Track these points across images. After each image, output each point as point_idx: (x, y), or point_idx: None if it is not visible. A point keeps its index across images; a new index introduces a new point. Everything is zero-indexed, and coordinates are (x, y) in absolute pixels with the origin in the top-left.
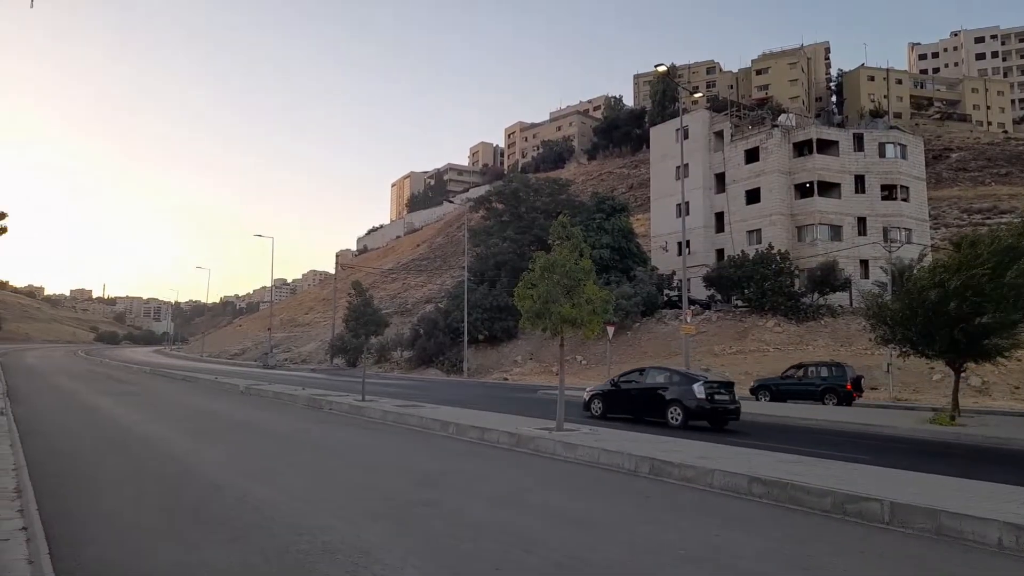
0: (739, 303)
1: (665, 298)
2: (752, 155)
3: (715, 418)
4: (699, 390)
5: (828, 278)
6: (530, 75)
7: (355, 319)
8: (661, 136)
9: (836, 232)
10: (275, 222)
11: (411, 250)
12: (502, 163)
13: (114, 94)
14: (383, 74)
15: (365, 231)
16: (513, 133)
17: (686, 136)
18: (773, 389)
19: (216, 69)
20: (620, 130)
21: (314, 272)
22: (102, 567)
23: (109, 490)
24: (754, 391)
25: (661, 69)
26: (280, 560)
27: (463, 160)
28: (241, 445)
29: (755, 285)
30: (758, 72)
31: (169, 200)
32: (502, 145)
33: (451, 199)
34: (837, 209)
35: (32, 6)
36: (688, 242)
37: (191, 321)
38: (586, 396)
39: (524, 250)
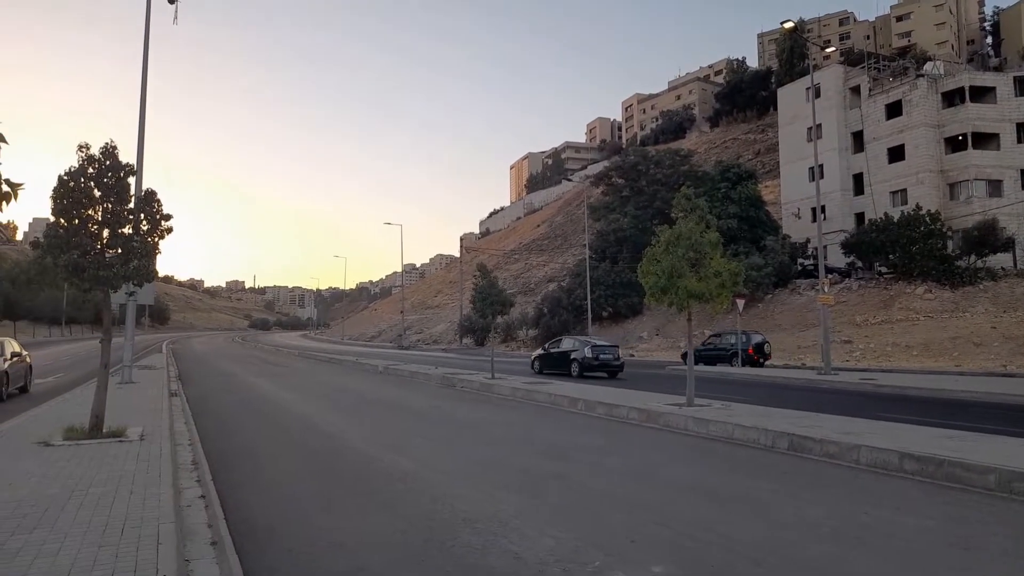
0: (883, 270)
1: (799, 267)
2: (894, 109)
3: (603, 370)
4: (588, 351)
5: (987, 238)
6: (646, 45)
7: (481, 300)
8: (789, 97)
9: (995, 187)
10: (403, 210)
11: (531, 230)
12: (620, 137)
13: (255, 99)
14: (498, 58)
15: (487, 214)
16: (630, 106)
17: (818, 94)
18: (697, 354)
19: (341, 65)
20: (744, 94)
21: (440, 256)
22: (270, 532)
23: (270, 462)
24: (683, 356)
25: (788, 25)
26: (426, 528)
27: (580, 137)
28: (383, 421)
29: (901, 250)
30: (898, 19)
31: (308, 194)
32: (619, 119)
33: (569, 177)
34: (996, 162)
35: (176, 23)
36: (823, 207)
37: (331, 306)
38: (532, 359)
39: (646, 224)
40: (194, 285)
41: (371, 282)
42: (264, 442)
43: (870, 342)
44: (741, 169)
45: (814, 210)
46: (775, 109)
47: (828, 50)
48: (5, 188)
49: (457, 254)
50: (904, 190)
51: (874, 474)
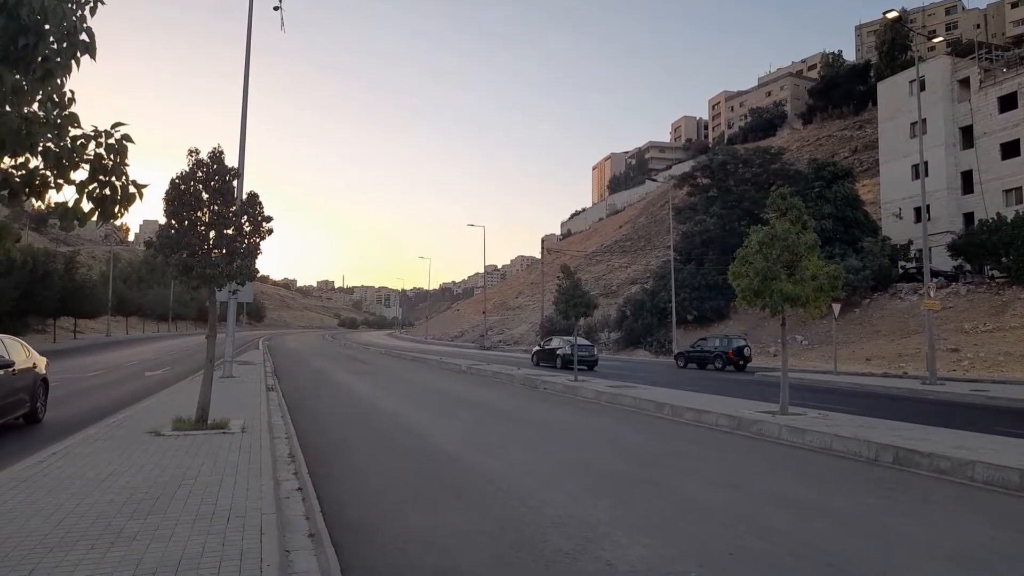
0: (995, 273)
1: (900, 271)
2: (1008, 102)
3: (581, 364)
4: (567, 348)
5: None
6: (735, 42)
7: (564, 301)
8: (891, 91)
9: None
10: (486, 211)
11: (614, 231)
12: (706, 136)
13: (347, 104)
14: (581, 58)
15: (568, 215)
16: (717, 104)
17: (922, 87)
18: (686, 355)
19: (426, 71)
20: (840, 89)
21: (522, 257)
22: (363, 526)
23: (361, 457)
24: (675, 357)
25: (891, 15)
26: (515, 530)
27: (664, 137)
28: (468, 420)
29: (1016, 252)
30: (1013, 5)
31: (395, 197)
32: (706, 118)
33: (653, 177)
34: None
35: (283, 30)
36: (928, 207)
37: (416, 306)
38: (531, 353)
39: (733, 226)
40: (287, 284)
41: (454, 283)
42: (354, 438)
43: (980, 350)
44: (837, 167)
45: (917, 210)
46: (874, 104)
47: (934, 40)
48: (132, 189)
49: (538, 255)
50: (1019, 188)
51: (991, 492)
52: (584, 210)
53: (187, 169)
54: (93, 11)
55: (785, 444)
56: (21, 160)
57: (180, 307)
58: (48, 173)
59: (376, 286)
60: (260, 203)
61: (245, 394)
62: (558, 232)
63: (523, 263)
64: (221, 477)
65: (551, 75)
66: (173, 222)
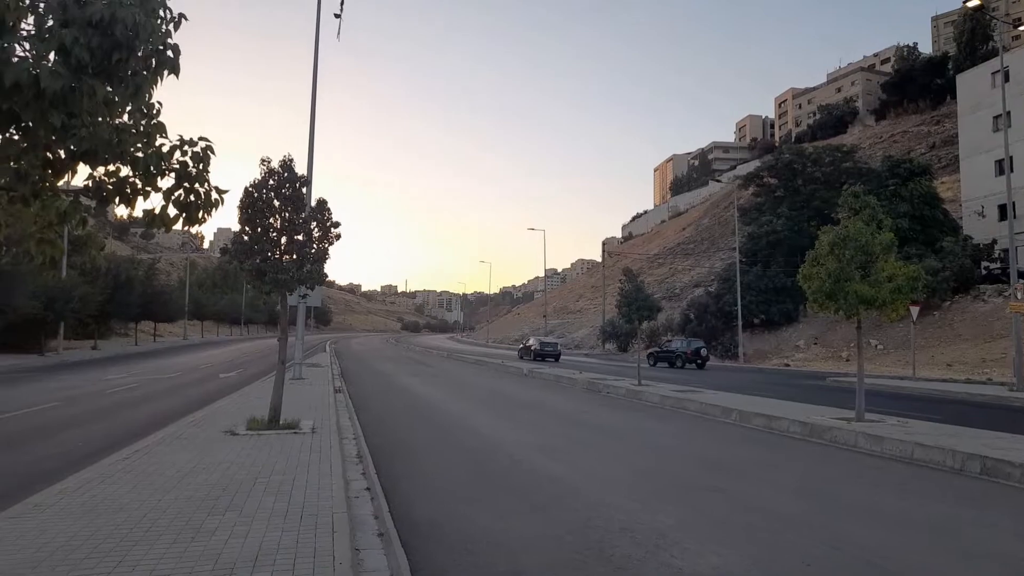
0: None
1: (983, 272)
2: None
3: (546, 357)
4: (536, 344)
5: None
6: (802, 37)
7: (627, 305)
8: (971, 83)
9: None
10: (546, 215)
11: (676, 234)
12: (772, 135)
13: (405, 111)
14: (641, 57)
15: (629, 218)
16: (784, 102)
17: (1007, 79)
18: (655, 355)
19: (485, 75)
20: (915, 83)
21: (582, 261)
22: (430, 526)
23: (426, 458)
24: (648, 356)
25: (972, 3)
26: (582, 534)
27: (728, 136)
28: (531, 423)
29: None
30: None
31: (456, 201)
32: (772, 116)
33: (717, 178)
34: None
35: (338, 39)
36: (1013, 204)
37: (476, 310)
38: (518, 350)
39: (802, 226)
40: (352, 289)
41: (514, 287)
42: (419, 439)
43: None
44: (913, 164)
45: (1002, 207)
46: (953, 98)
47: (1021, 28)
48: (215, 195)
49: (599, 259)
50: None
51: None
52: (645, 212)
53: (259, 177)
54: (177, 26)
55: (862, 452)
56: (112, 168)
57: (252, 311)
58: (137, 181)
59: (438, 290)
60: (328, 209)
61: (314, 395)
62: (619, 235)
63: (583, 266)
64: (293, 476)
65: (612, 76)
66: (247, 229)
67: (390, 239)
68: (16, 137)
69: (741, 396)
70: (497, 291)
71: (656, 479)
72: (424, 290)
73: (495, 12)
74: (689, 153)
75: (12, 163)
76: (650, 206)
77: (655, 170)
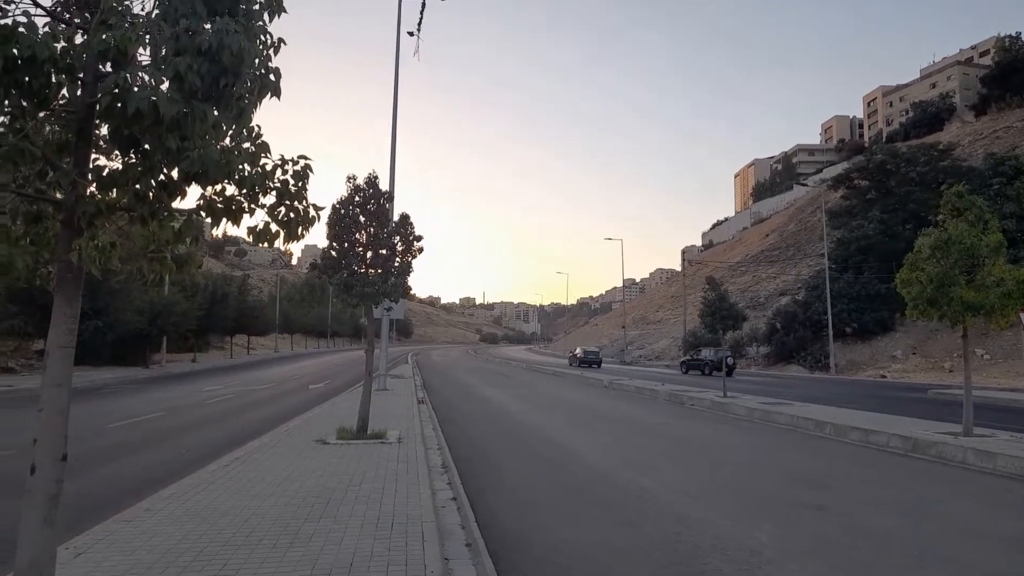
0: None
1: None
2: None
3: (590, 363)
4: (580, 353)
5: None
6: (891, 32)
7: (711, 314)
8: None
9: None
10: (623, 225)
11: (759, 241)
12: (861, 135)
13: (481, 123)
14: (719, 61)
15: (709, 225)
16: (873, 100)
17: None
18: (687, 363)
19: (560, 85)
20: (1019, 74)
21: (660, 270)
22: (517, 538)
23: (508, 469)
24: (680, 365)
25: None
26: (671, 549)
27: (813, 139)
28: (613, 435)
29: None
30: None
31: (533, 213)
32: (860, 116)
33: (803, 182)
34: None
35: (417, 57)
36: None
37: (554, 321)
38: (569, 358)
39: (896, 230)
40: (432, 302)
41: (591, 297)
42: (501, 450)
43: None
44: (1020, 161)
45: None
46: None
47: None
48: (312, 212)
49: (678, 268)
50: None
51: None
52: (726, 219)
53: (345, 194)
54: (276, 51)
55: (971, 469)
56: (219, 188)
57: (337, 324)
58: (243, 199)
59: (515, 302)
60: (411, 223)
61: (399, 406)
62: (699, 243)
63: (662, 276)
64: (383, 484)
65: (690, 82)
66: (334, 244)
67: (468, 252)
68: (135, 161)
69: (834, 408)
70: (574, 302)
71: (747, 494)
72: (501, 302)
73: (571, 21)
74: (771, 157)
75: (132, 185)
76: (731, 213)
77: (735, 176)
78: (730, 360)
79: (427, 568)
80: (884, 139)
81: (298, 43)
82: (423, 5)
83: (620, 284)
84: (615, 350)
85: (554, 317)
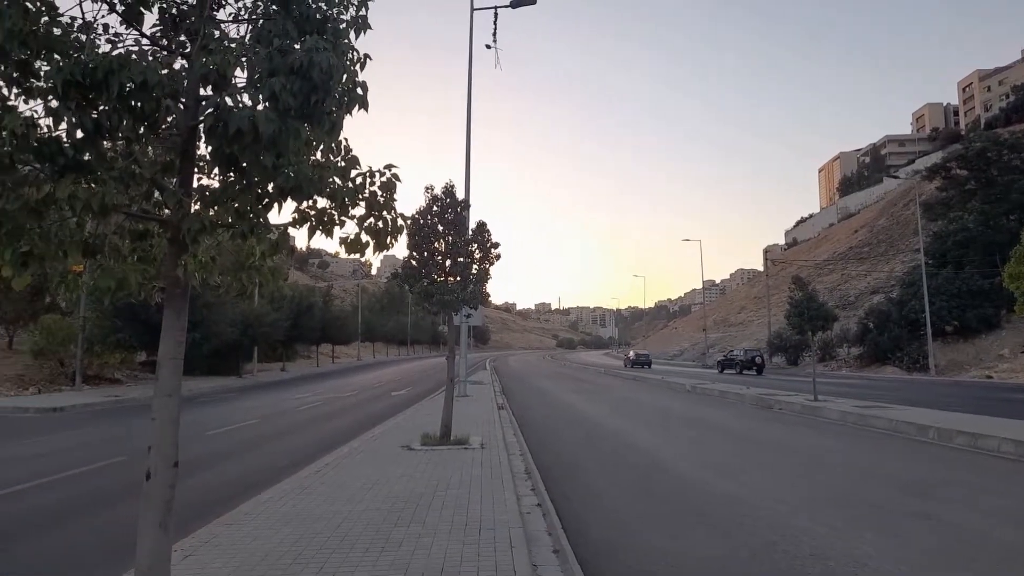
0: None
1: None
2: None
3: (642, 364)
4: (633, 355)
5: None
6: (985, 12)
7: (798, 315)
8: None
9: None
10: (701, 225)
11: (847, 237)
12: (956, 123)
13: (552, 128)
14: (798, 53)
15: (793, 223)
16: (969, 85)
17: None
18: (721, 363)
19: (636, 79)
20: None
21: (742, 271)
22: (605, 545)
23: (592, 475)
24: (716, 364)
25: None
26: (766, 558)
27: (903, 129)
28: (699, 440)
29: None
30: None
31: (608, 216)
32: (955, 103)
33: (894, 174)
34: None
35: (499, 67)
36: None
37: (631, 325)
38: (623, 360)
39: (999, 221)
40: (508, 308)
41: (669, 300)
42: (583, 455)
43: None
44: None
45: None
46: None
47: None
48: (399, 222)
49: (760, 268)
50: None
51: None
52: (811, 216)
53: (424, 204)
54: (363, 66)
55: None
56: (312, 201)
57: (416, 332)
58: (334, 212)
59: (591, 306)
60: (488, 231)
61: (479, 412)
62: (782, 242)
63: (744, 276)
64: (468, 490)
65: (768, 76)
66: (414, 254)
67: (543, 257)
68: (234, 179)
69: (937, 412)
70: (652, 305)
71: (846, 502)
72: (578, 307)
73: (645, 18)
74: (858, 150)
75: (231, 202)
76: (816, 209)
77: (820, 171)
78: (759, 359)
79: (516, 574)
80: (982, 125)
81: (370, 50)
82: (495, 15)
83: (699, 286)
84: (695, 353)
85: (631, 321)
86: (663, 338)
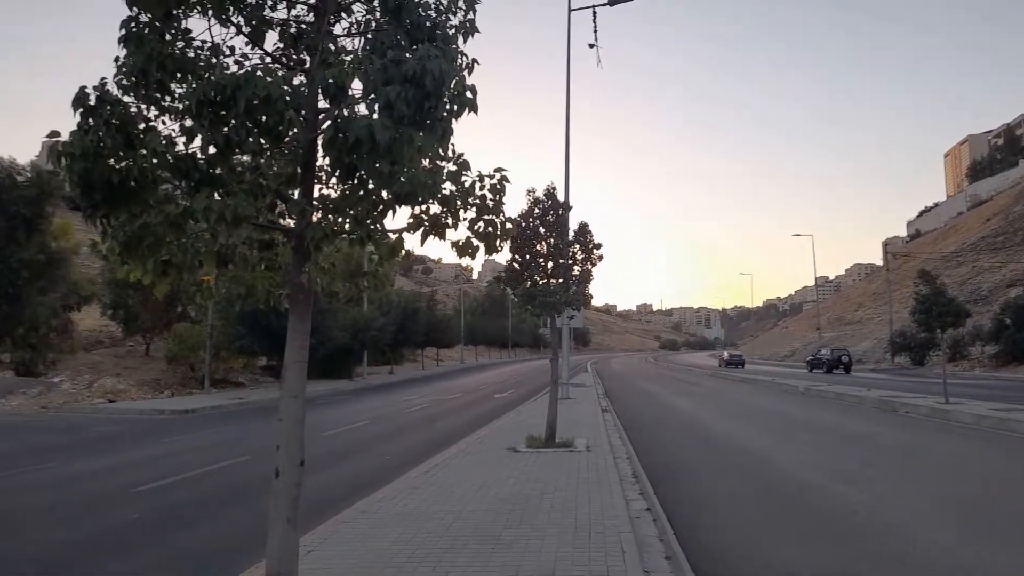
0: None
1: None
2: None
3: (736, 365)
4: (727, 356)
5: None
6: None
7: (925, 311)
8: None
9: None
10: (811, 219)
11: (979, 226)
12: None
13: (650, 128)
14: (918, 32)
15: (915, 213)
16: None
17: None
18: (811, 363)
19: (739, 68)
20: None
21: (858, 266)
22: (719, 551)
23: (702, 479)
24: (806, 363)
25: None
26: (897, 573)
27: None
28: (816, 445)
29: None
30: None
31: (710, 212)
32: None
33: None
34: None
35: (600, 66)
36: None
37: (738, 326)
38: (718, 361)
39: None
40: (608, 310)
41: (779, 299)
42: (692, 459)
43: None
44: None
45: None
46: None
47: None
48: (509, 225)
49: (879, 262)
50: None
51: None
52: (936, 205)
53: (526, 207)
54: (471, 71)
55: None
56: (425, 207)
57: (517, 335)
58: (447, 216)
59: (694, 306)
60: (590, 232)
61: (583, 414)
62: (903, 233)
63: (860, 272)
64: (575, 493)
65: (882, 53)
66: (516, 257)
67: (643, 257)
68: (352, 187)
69: None
70: (760, 304)
71: (986, 514)
72: (680, 307)
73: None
74: (989, 132)
75: (350, 210)
76: (941, 197)
77: (945, 156)
78: (845, 358)
79: None
80: None
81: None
82: (594, 14)
83: (812, 283)
84: (808, 354)
85: (738, 321)
86: (773, 338)
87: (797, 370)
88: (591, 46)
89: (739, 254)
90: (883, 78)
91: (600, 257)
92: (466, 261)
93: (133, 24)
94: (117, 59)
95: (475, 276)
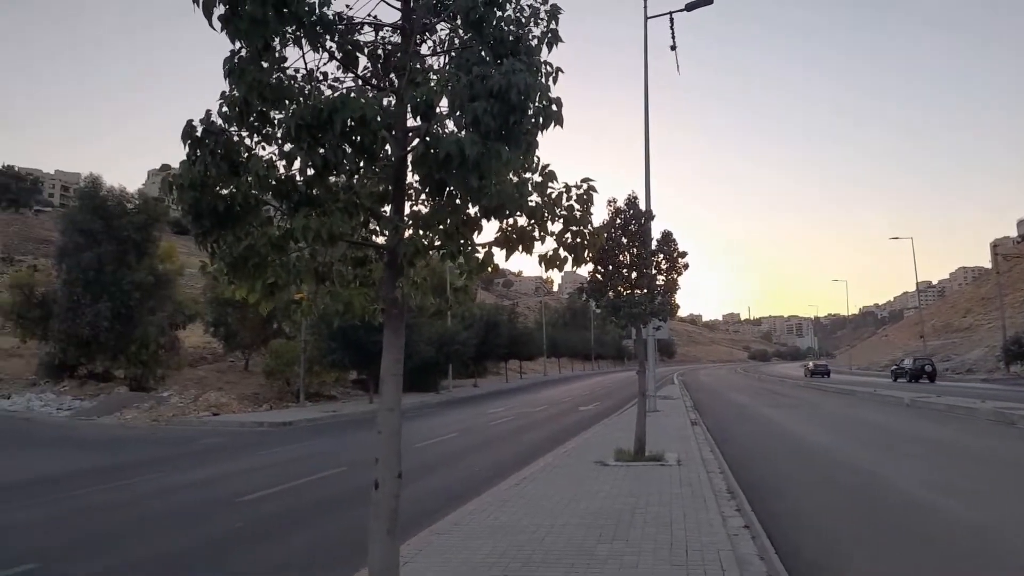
0: None
1: None
2: None
3: (822, 375)
4: (812, 366)
5: None
6: None
7: None
8: None
9: None
10: (911, 221)
11: None
12: None
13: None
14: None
15: None
16: None
17: None
18: (895, 372)
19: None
20: None
21: (964, 269)
22: (823, 570)
23: (801, 495)
24: (891, 373)
25: None
26: None
27: None
28: (924, 460)
29: None
30: None
31: (799, 218)
32: None
33: None
34: None
35: (679, 72)
36: None
37: (832, 335)
38: (803, 371)
39: None
40: (693, 320)
41: (876, 305)
42: (791, 474)
43: None
44: None
45: None
46: None
47: None
48: (596, 235)
49: (987, 264)
50: None
51: None
52: None
53: (607, 218)
54: (555, 80)
55: None
56: (512, 220)
57: (600, 347)
58: (535, 229)
59: (785, 315)
60: (674, 240)
61: (671, 427)
62: (1013, 233)
63: (967, 275)
64: (669, 508)
65: (988, 37)
66: (599, 268)
67: (729, 265)
68: (442, 203)
69: None
70: (856, 311)
71: None
72: (770, 316)
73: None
74: None
75: (440, 226)
76: None
77: None
78: (928, 368)
79: None
80: None
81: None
82: (671, 21)
83: (912, 288)
84: (910, 364)
85: (832, 330)
86: (871, 347)
87: (880, 379)
88: (672, 48)
89: (831, 260)
90: (991, 60)
91: (685, 266)
92: (549, 274)
93: (236, 57)
94: (223, 93)
95: (555, 288)
